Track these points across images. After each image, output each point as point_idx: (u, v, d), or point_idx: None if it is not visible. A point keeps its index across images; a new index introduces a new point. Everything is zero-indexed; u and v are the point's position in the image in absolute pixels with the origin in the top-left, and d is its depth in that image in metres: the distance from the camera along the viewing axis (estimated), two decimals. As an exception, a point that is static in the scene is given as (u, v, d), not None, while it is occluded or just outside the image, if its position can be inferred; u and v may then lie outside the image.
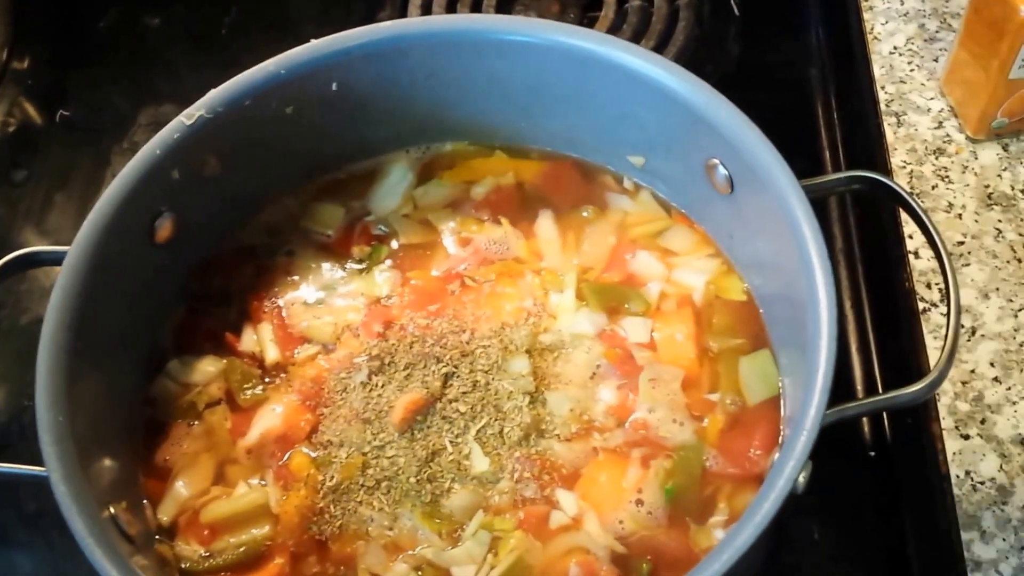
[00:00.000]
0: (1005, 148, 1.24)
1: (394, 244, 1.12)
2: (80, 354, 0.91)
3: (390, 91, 1.08)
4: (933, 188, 1.21)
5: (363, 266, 1.10)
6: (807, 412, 0.81)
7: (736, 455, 0.96)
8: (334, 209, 1.14)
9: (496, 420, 0.98)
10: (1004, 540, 1.00)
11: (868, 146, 1.24)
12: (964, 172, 1.22)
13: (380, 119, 1.11)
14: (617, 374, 1.01)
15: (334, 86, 1.06)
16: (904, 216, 1.12)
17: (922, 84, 1.30)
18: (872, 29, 1.36)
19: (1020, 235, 1.17)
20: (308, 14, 1.51)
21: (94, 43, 1.54)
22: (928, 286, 1.14)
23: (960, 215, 1.19)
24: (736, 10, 1.43)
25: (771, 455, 0.94)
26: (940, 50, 1.33)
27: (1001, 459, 1.04)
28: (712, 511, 0.94)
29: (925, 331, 1.10)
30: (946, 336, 0.88)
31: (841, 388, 0.84)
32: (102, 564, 0.81)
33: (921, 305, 1.12)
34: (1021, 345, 1.10)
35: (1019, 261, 1.15)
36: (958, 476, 1.03)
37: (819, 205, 0.91)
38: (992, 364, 1.09)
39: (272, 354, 1.05)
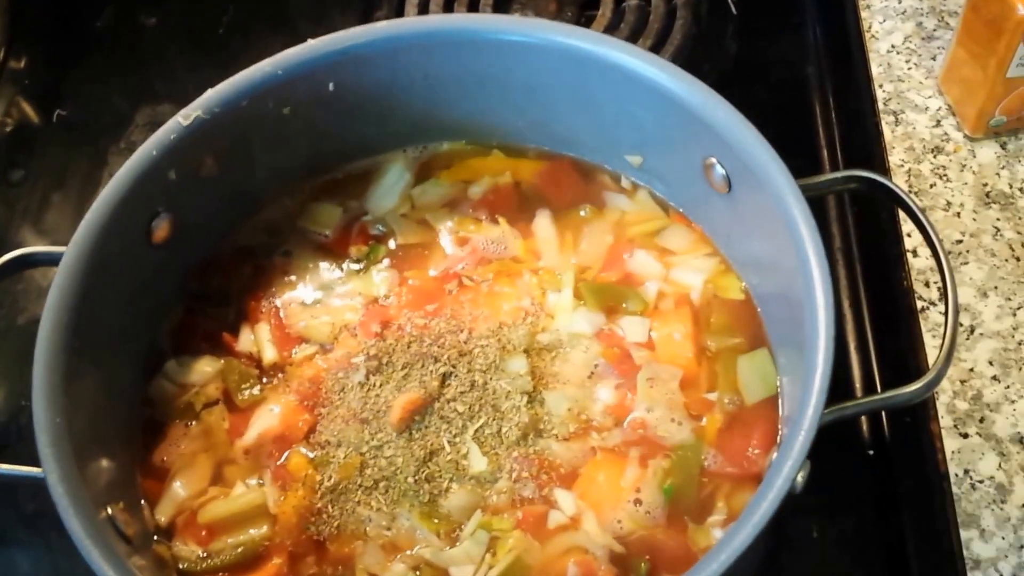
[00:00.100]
0: (1003, 146, 1.24)
1: (392, 244, 1.11)
2: (77, 355, 0.91)
3: (387, 91, 1.08)
4: (931, 187, 1.21)
5: (361, 266, 1.10)
6: (805, 411, 0.81)
7: (734, 454, 0.96)
8: (332, 209, 1.14)
9: (494, 420, 0.98)
10: (1003, 538, 1.00)
11: (866, 144, 1.24)
12: (962, 170, 1.22)
13: (377, 119, 1.11)
14: (615, 373, 1.01)
15: (331, 86, 1.06)
16: (903, 215, 1.11)
17: (920, 82, 1.30)
18: (870, 27, 1.36)
19: (1018, 233, 1.17)
20: (305, 14, 1.51)
21: (91, 42, 1.53)
22: (927, 284, 1.14)
23: (958, 213, 1.19)
24: (734, 8, 1.43)
25: (769, 454, 0.94)
26: (938, 48, 1.33)
27: (1000, 457, 1.04)
28: (710, 510, 0.94)
29: (924, 330, 1.09)
30: (944, 335, 0.88)
31: (839, 387, 0.84)
32: (99, 565, 0.81)
33: (920, 304, 1.12)
34: (1020, 343, 1.10)
35: (1017, 259, 1.15)
36: (957, 475, 1.03)
37: (817, 203, 0.91)
38: (991, 363, 1.09)
39: (270, 354, 1.05)
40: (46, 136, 1.46)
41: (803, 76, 1.38)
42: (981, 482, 1.03)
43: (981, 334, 1.11)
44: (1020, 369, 1.08)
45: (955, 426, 1.05)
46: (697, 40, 1.38)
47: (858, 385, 1.14)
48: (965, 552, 0.98)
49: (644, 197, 1.12)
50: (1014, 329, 1.11)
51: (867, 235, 1.22)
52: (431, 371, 1.01)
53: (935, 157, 1.24)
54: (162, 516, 0.98)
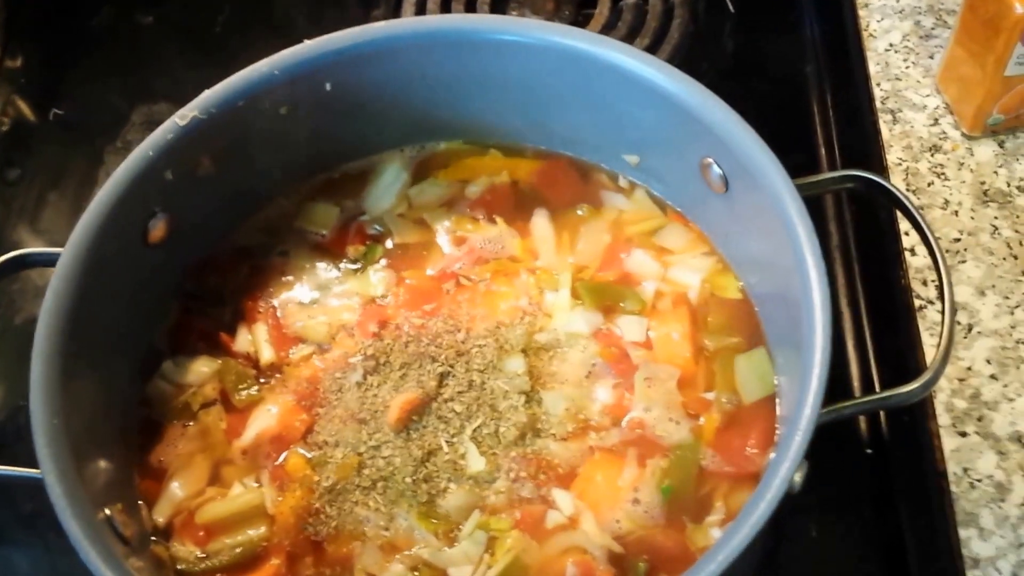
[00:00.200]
0: (1001, 145, 1.24)
1: (389, 243, 1.11)
2: (74, 355, 0.91)
3: (384, 91, 1.08)
4: (929, 185, 1.21)
5: (358, 266, 1.10)
6: (803, 411, 0.81)
7: (732, 454, 0.96)
8: (329, 209, 1.13)
9: (492, 420, 0.98)
10: (1002, 537, 1.00)
11: (864, 143, 1.24)
12: (960, 169, 1.22)
13: (374, 119, 1.11)
14: (613, 373, 1.01)
15: (328, 86, 1.06)
16: (900, 213, 1.11)
17: (918, 81, 1.30)
18: (867, 26, 1.35)
19: (1016, 232, 1.17)
20: (302, 14, 1.51)
21: (88, 41, 1.53)
22: (924, 283, 1.14)
23: (956, 212, 1.19)
24: (731, 7, 1.43)
25: (767, 453, 0.94)
26: (936, 47, 1.33)
27: (998, 456, 1.04)
28: (709, 510, 0.94)
29: (922, 328, 1.09)
30: (941, 334, 0.88)
31: (837, 386, 0.84)
32: (97, 565, 0.81)
33: (917, 302, 1.12)
34: (1018, 342, 1.10)
35: (1015, 258, 1.15)
36: (955, 473, 1.03)
37: (814, 202, 0.91)
38: (989, 361, 1.09)
39: (267, 354, 1.05)
40: (42, 135, 1.46)
41: (801, 74, 1.38)
42: (980, 481, 1.03)
43: (979, 333, 1.11)
44: (1018, 367, 1.08)
45: (953, 425, 1.05)
46: (694, 38, 1.38)
47: (856, 384, 1.14)
48: (964, 551, 0.98)
49: (641, 196, 1.12)
50: (1012, 328, 1.11)
51: (865, 233, 1.22)
52: (429, 371, 1.01)
53: (933, 156, 1.24)
54: (160, 517, 0.98)
